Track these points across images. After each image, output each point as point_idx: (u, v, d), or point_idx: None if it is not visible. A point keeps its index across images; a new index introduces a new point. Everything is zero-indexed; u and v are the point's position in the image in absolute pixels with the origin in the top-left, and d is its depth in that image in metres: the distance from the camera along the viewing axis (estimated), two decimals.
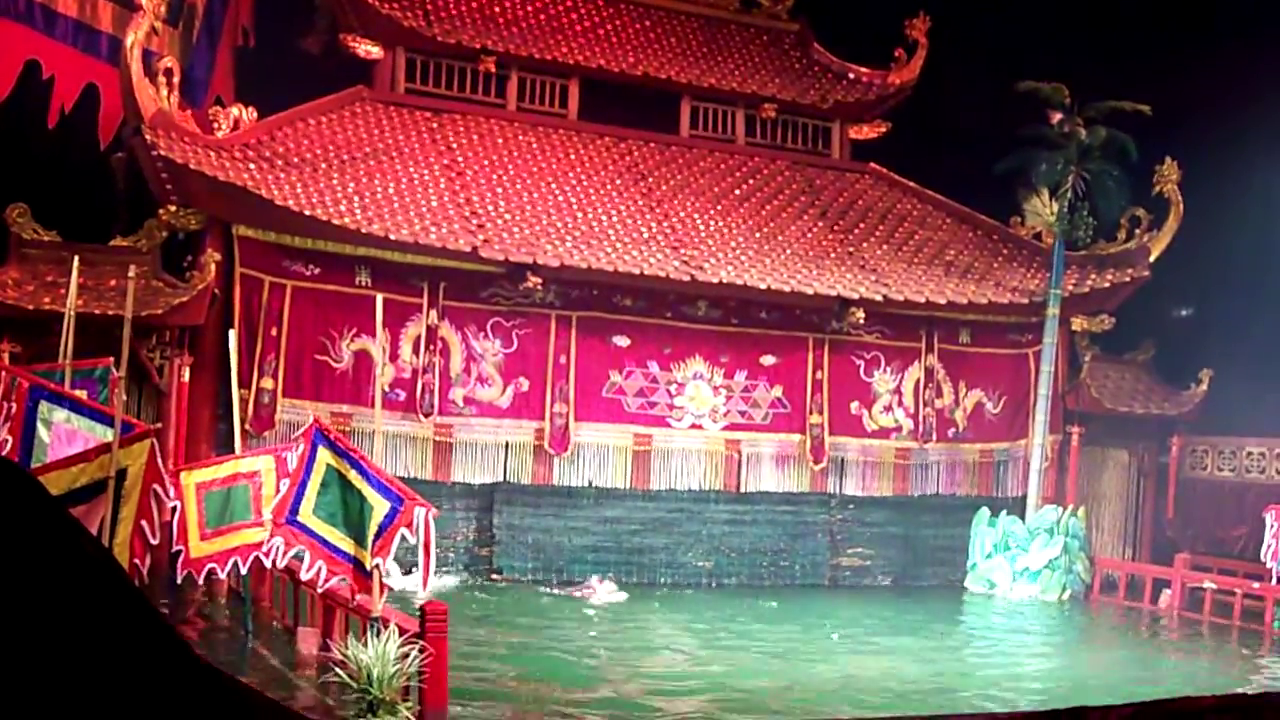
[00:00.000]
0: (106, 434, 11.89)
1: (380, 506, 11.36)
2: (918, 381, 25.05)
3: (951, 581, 24.71)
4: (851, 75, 28.46)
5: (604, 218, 23.30)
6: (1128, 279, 25.81)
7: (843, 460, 24.53)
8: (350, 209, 20.81)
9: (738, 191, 25.65)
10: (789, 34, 29.18)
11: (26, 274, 19.23)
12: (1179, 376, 26.72)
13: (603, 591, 21.24)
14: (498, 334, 22.19)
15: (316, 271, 21.02)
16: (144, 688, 2.99)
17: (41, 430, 12.95)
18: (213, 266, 19.86)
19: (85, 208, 21.58)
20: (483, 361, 22.11)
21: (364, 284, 21.04)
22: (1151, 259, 25.88)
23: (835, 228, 25.50)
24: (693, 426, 23.41)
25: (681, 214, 24.25)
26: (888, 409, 24.85)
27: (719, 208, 24.87)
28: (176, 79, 20.35)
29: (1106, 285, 25.75)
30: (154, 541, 11.55)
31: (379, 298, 13.92)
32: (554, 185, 23.81)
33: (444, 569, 21.03)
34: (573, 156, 24.93)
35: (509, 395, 22.26)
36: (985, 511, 24.55)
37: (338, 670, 11.10)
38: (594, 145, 25.50)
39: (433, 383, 21.67)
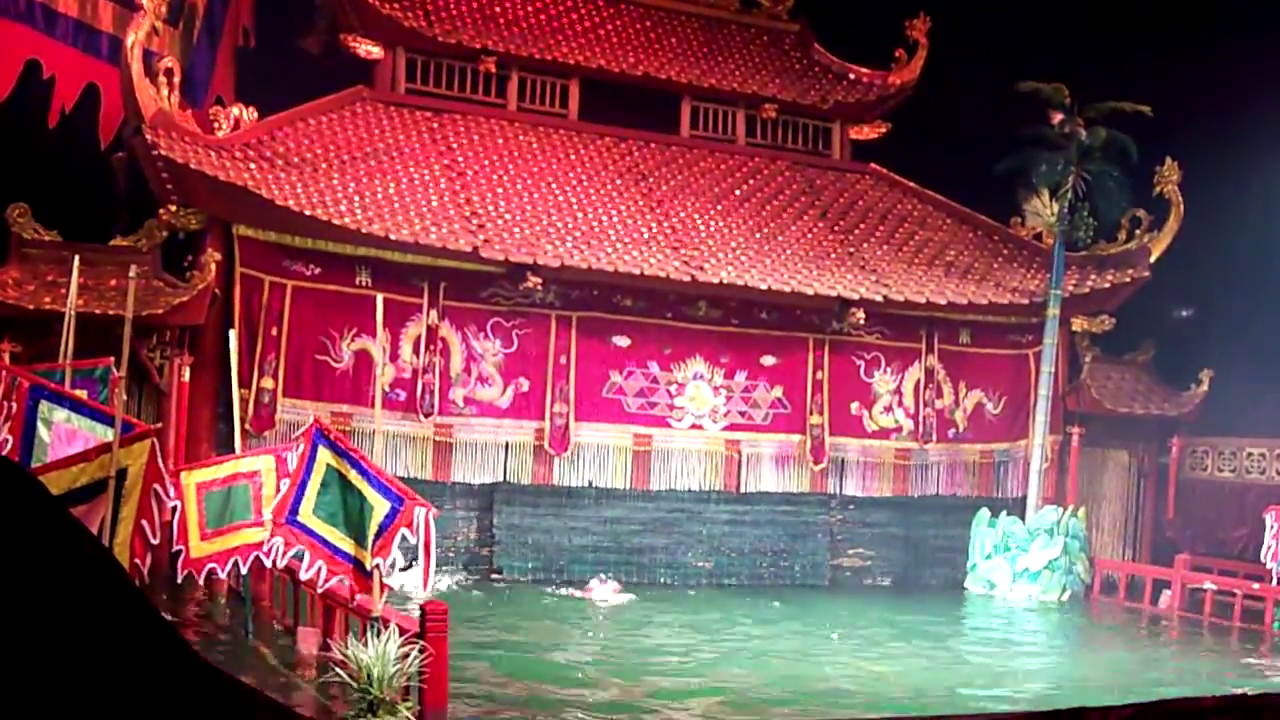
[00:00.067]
0: (107, 434, 11.89)
1: (380, 506, 11.36)
2: (918, 382, 25.05)
3: (952, 582, 24.72)
4: (852, 76, 28.45)
5: (604, 218, 23.30)
6: (1128, 280, 25.81)
7: (843, 461, 24.53)
8: (350, 209, 20.81)
9: (738, 192, 25.65)
10: (789, 34, 29.17)
11: (27, 274, 19.23)
12: (1179, 377, 26.71)
13: (606, 591, 21.25)
14: (498, 334, 22.19)
15: (317, 271, 21.02)
16: (144, 687, 2.99)
17: (42, 430, 12.95)
18: (213, 266, 19.87)
19: (86, 208, 21.59)
20: (483, 361, 22.11)
21: (364, 284, 21.05)
22: (1152, 259, 25.89)
23: (835, 228, 25.50)
24: (693, 427, 23.42)
25: (682, 214, 24.25)
26: (888, 409, 24.85)
27: (719, 208, 24.87)
28: (177, 79, 20.35)
29: (1107, 286, 25.75)
30: (154, 541, 11.55)
31: (379, 298, 13.93)
32: (554, 185, 23.81)
33: (444, 569, 21.03)
34: (573, 157, 24.93)
35: (509, 395, 22.26)
36: (985, 512, 24.55)
37: (338, 670, 11.10)
38: (594, 145, 25.50)
39: (433, 383, 21.67)
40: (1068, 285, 25.17)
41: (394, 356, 21.37)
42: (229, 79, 24.97)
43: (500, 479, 22.30)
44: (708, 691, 14.51)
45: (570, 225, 22.72)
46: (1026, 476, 24.91)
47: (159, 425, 16.55)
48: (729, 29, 28.66)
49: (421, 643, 11.20)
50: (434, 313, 21.73)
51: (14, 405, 13.11)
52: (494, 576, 22.20)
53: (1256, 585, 21.61)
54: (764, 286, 22.67)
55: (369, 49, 24.24)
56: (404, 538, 11.31)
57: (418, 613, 11.79)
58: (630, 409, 23.01)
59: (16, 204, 19.62)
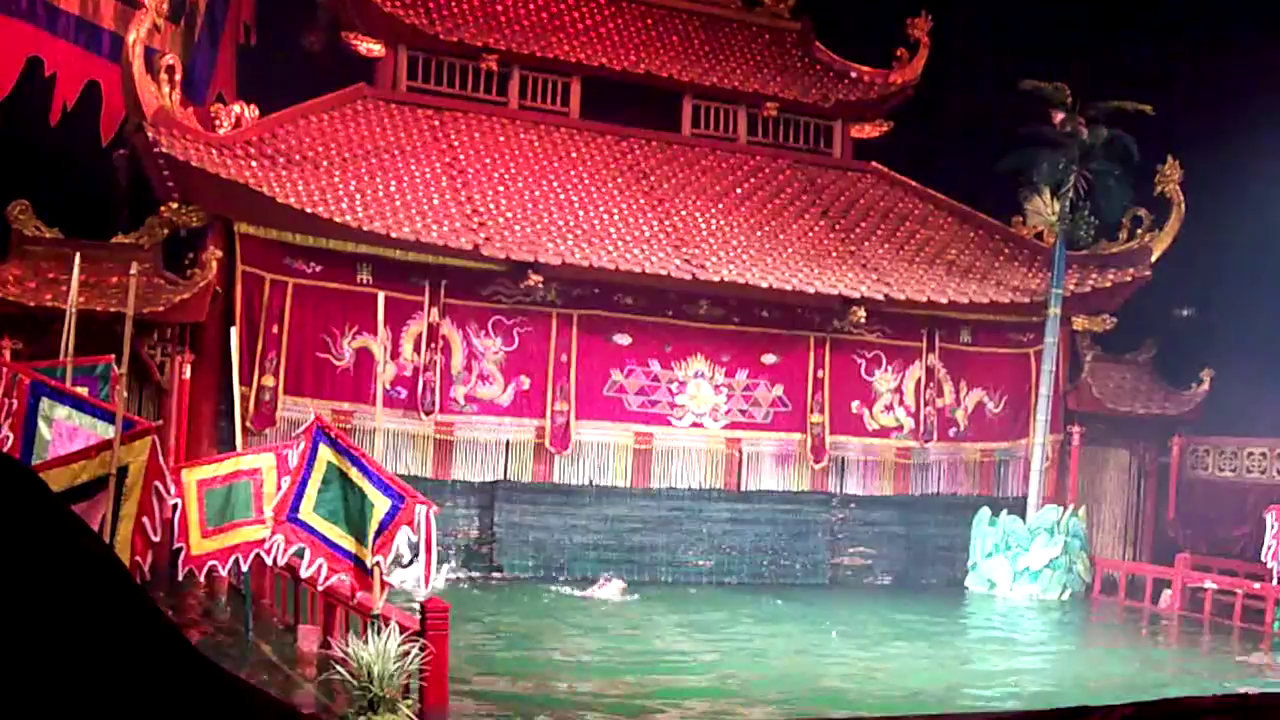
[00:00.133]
0: (108, 431, 11.89)
1: (381, 504, 11.35)
2: (919, 381, 25.05)
3: (952, 581, 24.73)
4: (853, 74, 28.45)
5: (605, 216, 23.30)
6: (1129, 279, 25.81)
7: (843, 459, 24.53)
8: (352, 207, 20.81)
9: (739, 190, 25.65)
10: (791, 33, 29.16)
11: (28, 271, 19.24)
12: (1180, 376, 26.71)
13: (611, 590, 21.27)
14: (499, 332, 22.20)
15: (318, 269, 21.03)
16: (145, 685, 2.99)
17: (43, 427, 12.96)
18: (214, 264, 19.87)
19: (87, 205, 21.59)
20: (484, 359, 22.12)
21: (365, 282, 21.06)
22: (1153, 259, 25.88)
23: (837, 227, 25.50)
24: (694, 425, 23.42)
25: (683, 213, 24.24)
26: (889, 408, 24.86)
27: (720, 206, 24.87)
28: (178, 76, 20.37)
29: (1108, 285, 25.75)
30: (155, 539, 11.54)
31: (381, 295, 13.93)
32: (555, 184, 23.81)
33: (445, 566, 21.04)
34: (574, 155, 24.92)
35: (510, 393, 22.26)
36: (986, 511, 24.55)
37: (338, 668, 11.09)
38: (596, 144, 25.49)
39: (434, 381, 21.67)
40: (1069, 284, 25.15)
41: (395, 354, 21.38)
42: (230, 76, 25.00)
43: (501, 477, 22.31)
44: (709, 690, 14.51)
45: (571, 223, 22.72)
46: (1027, 475, 24.91)
47: (160, 423, 16.53)
48: (731, 27, 28.65)
49: (422, 640, 11.20)
50: (435, 311, 21.73)
51: (15, 402, 13.12)
52: (494, 574, 22.21)
53: (1257, 585, 21.60)
54: (765, 285, 22.67)
55: (370, 47, 24.24)
56: (405, 535, 11.31)
57: (418, 611, 11.79)
58: (631, 407, 23.02)
59: (18, 201, 19.62)
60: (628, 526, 23.22)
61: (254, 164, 20.74)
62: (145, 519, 11.33)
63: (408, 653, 10.93)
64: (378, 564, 11.36)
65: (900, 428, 24.93)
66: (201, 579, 14.77)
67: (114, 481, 11.14)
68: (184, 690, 3.08)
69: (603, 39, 26.57)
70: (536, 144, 24.75)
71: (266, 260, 20.73)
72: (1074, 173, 24.59)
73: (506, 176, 23.48)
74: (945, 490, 25.29)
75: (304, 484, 11.85)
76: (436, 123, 24.19)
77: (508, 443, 22.28)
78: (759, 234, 24.37)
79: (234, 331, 16.11)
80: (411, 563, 15.27)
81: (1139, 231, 26.20)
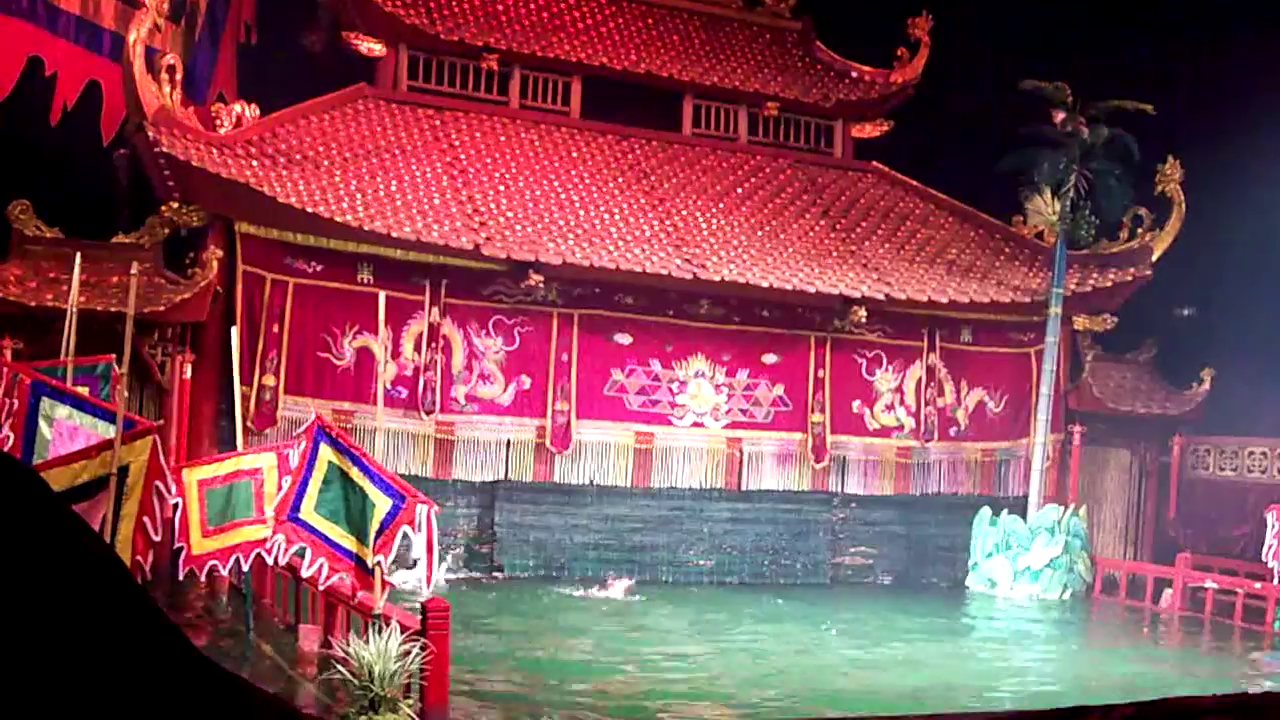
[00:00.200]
0: (109, 431, 11.89)
1: (382, 504, 11.35)
2: (919, 380, 25.05)
3: (953, 580, 24.74)
4: (854, 74, 28.44)
5: (606, 216, 23.30)
6: (1130, 278, 25.80)
7: (844, 459, 24.53)
8: (352, 206, 20.81)
9: (740, 190, 25.65)
10: (792, 32, 29.16)
11: (29, 270, 19.24)
12: (1181, 376, 26.71)
13: (617, 590, 21.31)
14: (499, 332, 22.20)
15: (319, 269, 21.03)
16: (146, 684, 2.99)
17: (43, 427, 12.96)
18: (215, 263, 19.88)
19: (88, 204, 21.59)
20: (484, 359, 22.12)
21: (366, 281, 21.07)
22: (1153, 258, 25.88)
23: (837, 226, 25.49)
24: (694, 425, 23.42)
25: (684, 212, 24.24)
26: (889, 408, 24.86)
27: (721, 206, 24.86)
28: (179, 76, 20.36)
29: (1108, 284, 25.75)
30: (156, 538, 11.55)
31: (382, 295, 13.94)
32: (556, 183, 23.81)
33: (445, 566, 21.03)
34: (575, 155, 24.92)
35: (511, 393, 22.27)
36: (987, 510, 24.54)
37: (339, 667, 11.09)
38: (596, 143, 25.49)
39: (434, 380, 21.68)
40: (1069, 284, 25.15)
41: (395, 354, 21.38)
42: (231, 76, 25.00)
43: (502, 476, 22.31)
44: (709, 690, 14.51)
45: (572, 223, 22.72)
46: (1028, 475, 24.91)
47: (161, 422, 16.54)
48: (731, 27, 28.65)
49: (423, 640, 11.20)
50: (436, 310, 21.74)
51: (16, 402, 13.12)
52: (495, 574, 22.21)
53: (1258, 584, 21.60)
54: (766, 284, 22.67)
55: (371, 46, 24.24)
56: (406, 535, 11.31)
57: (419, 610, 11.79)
58: (632, 407, 23.02)
59: (18, 200, 19.63)
60: (628, 526, 23.23)
61: (255, 163, 20.74)
62: (146, 519, 11.34)
63: (409, 652, 10.93)
64: (379, 564, 11.37)
65: (901, 427, 24.93)
66: (202, 579, 14.78)
67: (115, 481, 11.14)
68: (185, 690, 3.08)
69: (603, 39, 26.57)
70: (537, 144, 24.75)
71: (267, 260, 20.73)
72: (1075, 172, 24.58)
73: (507, 176, 23.48)
74: (946, 490, 25.29)
75: (305, 483, 11.85)
76: (437, 122, 24.19)
77: (508, 442, 22.28)
78: (760, 234, 24.37)
79: (235, 331, 16.11)
80: (417, 564, 15.28)
81: (1140, 231, 26.19)
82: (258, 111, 21.87)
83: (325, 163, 21.73)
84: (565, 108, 25.83)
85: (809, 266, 23.64)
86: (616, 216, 23.38)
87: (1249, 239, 26.63)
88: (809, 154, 27.71)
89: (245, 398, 18.41)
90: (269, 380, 20.50)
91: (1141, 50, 28.77)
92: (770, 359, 23.90)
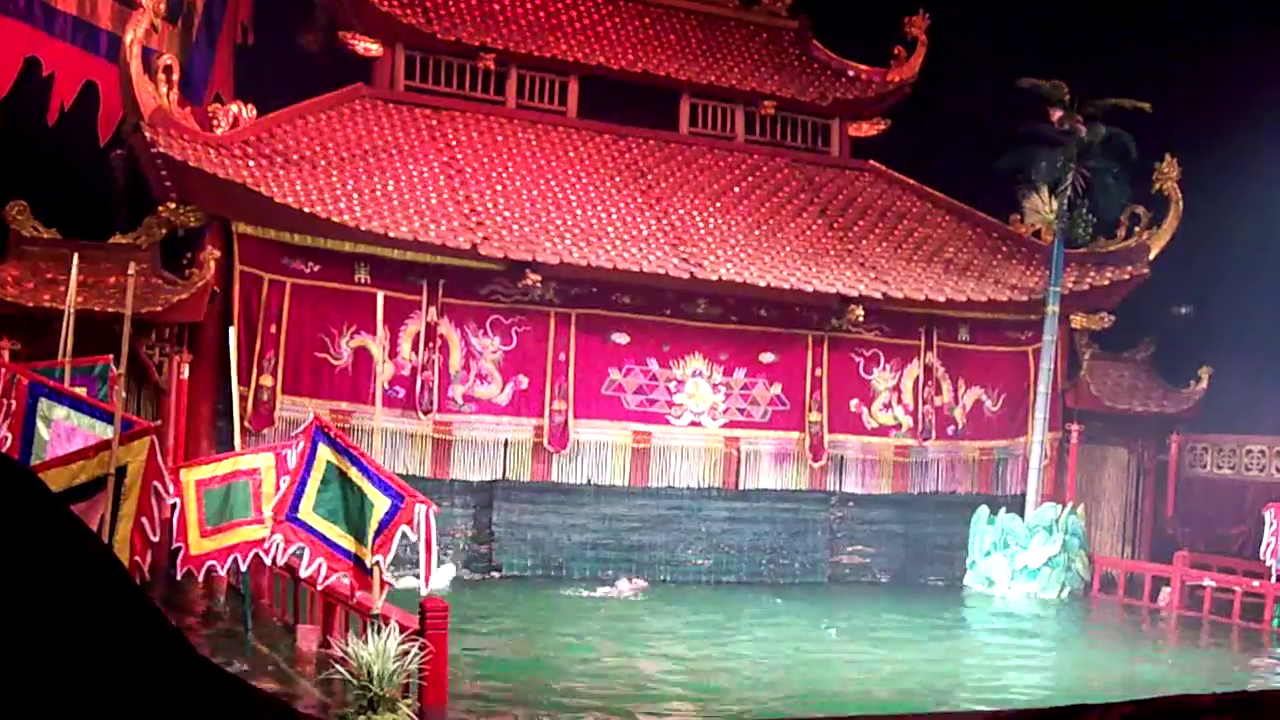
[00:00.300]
0: (106, 431, 11.89)
1: (381, 504, 11.35)
2: (917, 379, 25.05)
3: (951, 579, 24.75)
4: (851, 73, 28.44)
5: (603, 215, 23.29)
6: (1127, 277, 25.82)
7: (842, 458, 24.52)
8: (349, 206, 20.81)
9: (737, 189, 25.64)
10: (788, 31, 29.15)
11: (26, 271, 19.23)
12: (1178, 374, 26.72)
13: (621, 588, 21.35)
14: (497, 331, 22.19)
15: (316, 269, 21.03)
16: (144, 684, 2.99)
17: (41, 427, 12.95)
18: (212, 264, 19.86)
19: (85, 205, 21.59)
20: (482, 359, 22.12)
21: (363, 281, 21.06)
22: (1151, 256, 25.89)
23: (835, 225, 25.50)
24: (692, 424, 23.42)
25: (681, 211, 24.24)
26: (887, 406, 24.86)
27: (718, 205, 24.86)
28: (176, 76, 20.34)
29: (1106, 283, 25.76)
30: (154, 539, 11.55)
31: (380, 295, 13.93)
32: (553, 183, 23.80)
33: (443, 566, 21.02)
34: (572, 154, 24.92)
35: (508, 393, 22.26)
36: (984, 509, 24.55)
37: (338, 667, 11.10)
38: (593, 143, 25.49)
39: (432, 380, 21.67)
40: (1067, 282, 25.16)
41: (393, 354, 21.37)
42: (228, 76, 24.98)
43: (499, 476, 22.30)
44: (708, 689, 14.51)
45: (569, 222, 22.71)
46: (1026, 474, 24.91)
47: (158, 423, 16.56)
48: (728, 26, 28.64)
49: (421, 640, 11.21)
50: (433, 310, 21.73)
51: (13, 403, 13.11)
52: (493, 574, 22.21)
53: (1256, 582, 21.61)
54: (763, 283, 22.67)
55: (368, 46, 24.24)
56: (404, 535, 11.31)
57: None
58: (629, 406, 23.01)
59: (15, 201, 19.62)
60: (626, 525, 23.23)
61: (252, 164, 20.73)
62: (144, 519, 11.34)
63: (407, 652, 10.93)
64: (377, 563, 11.37)
65: (899, 426, 24.93)
66: (200, 579, 14.77)
67: (113, 481, 11.14)
68: (183, 690, 3.08)
69: (600, 38, 26.57)
70: (534, 143, 24.74)
71: (264, 260, 20.72)
72: (1072, 171, 24.60)
73: (504, 176, 23.48)
74: (944, 488, 25.30)
75: (303, 483, 11.85)
76: (434, 122, 24.18)
77: (506, 442, 22.27)
78: (757, 233, 24.37)
79: (232, 331, 16.11)
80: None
81: (1137, 229, 26.20)
82: (255, 112, 21.85)
83: (322, 163, 21.72)
84: (562, 107, 25.82)
85: (806, 265, 23.64)
86: (614, 216, 23.38)
87: (1247, 237, 26.65)
88: (806, 153, 27.71)
89: (243, 398, 18.40)
90: (266, 380, 20.48)
91: (1139, 48, 28.75)
92: (768, 358, 23.90)
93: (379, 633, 11.02)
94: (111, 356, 15.27)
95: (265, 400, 20.45)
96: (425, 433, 21.67)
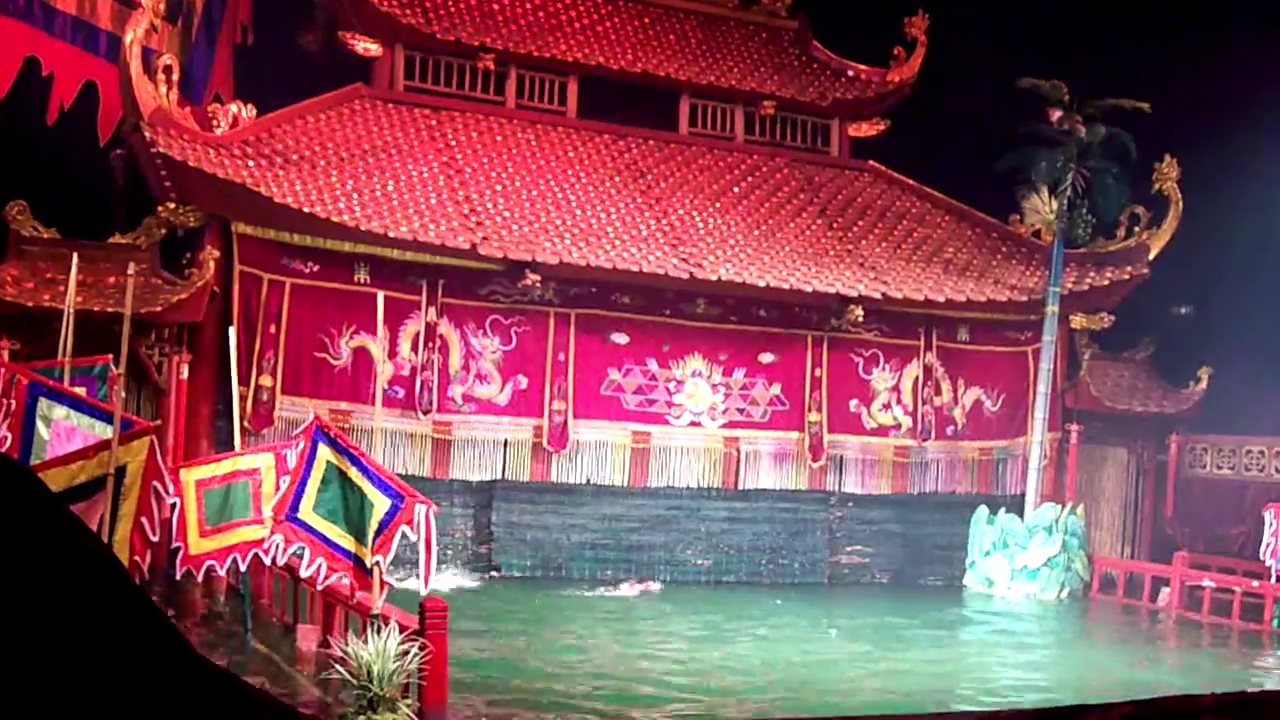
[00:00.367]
0: (106, 431, 11.88)
1: (381, 504, 11.34)
2: (916, 379, 25.04)
3: (950, 579, 24.74)
4: (851, 73, 28.44)
5: (602, 215, 23.29)
6: (1127, 277, 25.82)
7: (841, 458, 24.52)
8: (349, 206, 20.81)
9: (736, 189, 25.64)
10: (788, 31, 29.15)
11: (26, 271, 19.23)
12: (1178, 374, 26.72)
13: (627, 588, 21.44)
14: (496, 331, 22.19)
15: (315, 269, 21.03)
16: (144, 684, 2.99)
17: (41, 427, 12.94)
18: (211, 264, 19.86)
19: (84, 205, 21.59)
20: (481, 359, 22.11)
21: (363, 281, 21.06)
22: (1150, 257, 25.89)
23: (834, 225, 25.49)
24: (691, 424, 23.42)
25: (680, 211, 24.24)
26: (886, 407, 24.85)
27: (718, 205, 24.86)
28: (175, 76, 20.35)
29: (1106, 283, 25.76)
30: (154, 539, 11.54)
31: (380, 295, 13.93)
32: (553, 183, 23.80)
33: (442, 566, 21.00)
34: (571, 154, 24.91)
35: (508, 393, 22.26)
36: (984, 509, 24.55)
37: (338, 667, 11.09)
38: (593, 143, 25.49)
39: (431, 380, 21.67)
40: (1066, 282, 25.16)
41: (392, 354, 21.36)
42: (227, 76, 24.98)
43: (499, 476, 22.30)
44: (708, 689, 14.51)
45: (569, 223, 22.71)
46: (1025, 474, 24.91)
47: (158, 422, 16.54)
48: (727, 26, 28.64)
49: (421, 640, 11.20)
50: (433, 310, 21.73)
51: (13, 403, 13.10)
52: (492, 574, 22.20)
53: (1256, 582, 21.60)
54: (762, 283, 22.68)
55: (367, 46, 24.24)
56: (404, 535, 11.30)
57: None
58: (629, 406, 23.01)
59: (15, 201, 19.62)
60: (626, 525, 23.23)
61: (251, 164, 20.73)
62: (144, 519, 11.33)
63: (407, 652, 10.93)
64: (377, 563, 11.36)
65: (898, 426, 24.93)
66: (199, 579, 14.76)
67: (112, 481, 11.14)
68: (183, 690, 3.08)
69: (600, 38, 26.57)
70: (534, 143, 24.74)
71: (264, 260, 20.72)
72: (1072, 171, 24.60)
73: (504, 176, 23.47)
74: (943, 489, 25.29)
75: (303, 483, 11.84)
76: (434, 122, 24.18)
77: (505, 442, 22.27)
78: (756, 233, 24.37)
79: (232, 331, 16.10)
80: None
81: (1137, 229, 26.21)
82: (254, 112, 21.85)
83: (322, 163, 21.72)
84: (562, 107, 25.82)
85: (806, 265, 23.64)
86: (613, 216, 23.38)
87: (1246, 237, 26.64)
88: (805, 153, 27.71)
89: (242, 398, 18.38)
90: (266, 380, 20.48)
91: (1139, 48, 28.74)
92: (767, 358, 23.90)
93: (379, 632, 11.01)
94: (111, 356, 15.27)
95: (265, 400, 20.45)
96: (425, 433, 21.67)
